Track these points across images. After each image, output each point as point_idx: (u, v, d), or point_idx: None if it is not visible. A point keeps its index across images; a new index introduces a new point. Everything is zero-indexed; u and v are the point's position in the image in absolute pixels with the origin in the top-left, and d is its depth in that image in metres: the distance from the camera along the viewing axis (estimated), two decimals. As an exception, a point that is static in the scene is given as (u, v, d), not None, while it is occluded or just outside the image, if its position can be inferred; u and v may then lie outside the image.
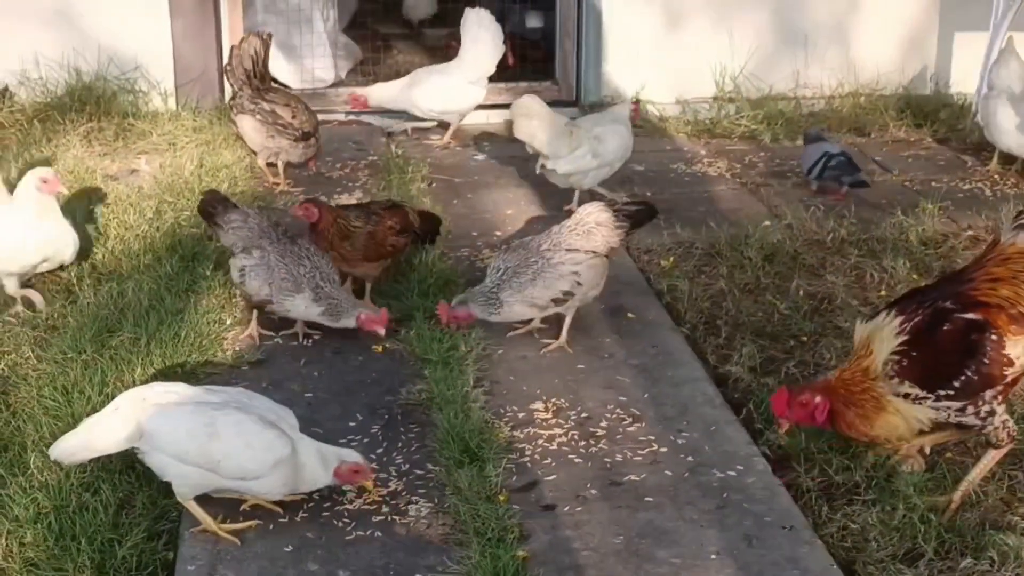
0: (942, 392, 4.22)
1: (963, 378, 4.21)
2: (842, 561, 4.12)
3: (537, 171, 7.09)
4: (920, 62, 9.27)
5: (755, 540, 4.17)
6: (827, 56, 9.09)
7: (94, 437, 4.24)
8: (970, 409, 4.24)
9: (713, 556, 4.10)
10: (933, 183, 7.67)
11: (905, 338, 4.25)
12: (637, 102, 8.34)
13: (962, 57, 9.15)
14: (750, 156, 8.24)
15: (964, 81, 9.06)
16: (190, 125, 8.26)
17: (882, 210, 7.12)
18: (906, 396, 4.25)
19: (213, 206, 5.72)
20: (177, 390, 4.35)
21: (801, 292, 6.03)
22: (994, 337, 4.20)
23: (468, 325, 5.41)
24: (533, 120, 6.93)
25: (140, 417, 4.17)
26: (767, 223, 6.88)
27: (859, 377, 4.33)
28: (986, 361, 4.20)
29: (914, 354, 4.24)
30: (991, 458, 4.38)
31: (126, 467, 4.50)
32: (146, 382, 5.00)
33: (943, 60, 9.30)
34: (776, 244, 6.54)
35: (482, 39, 8.30)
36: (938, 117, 8.76)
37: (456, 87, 8.38)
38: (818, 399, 4.34)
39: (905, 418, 4.28)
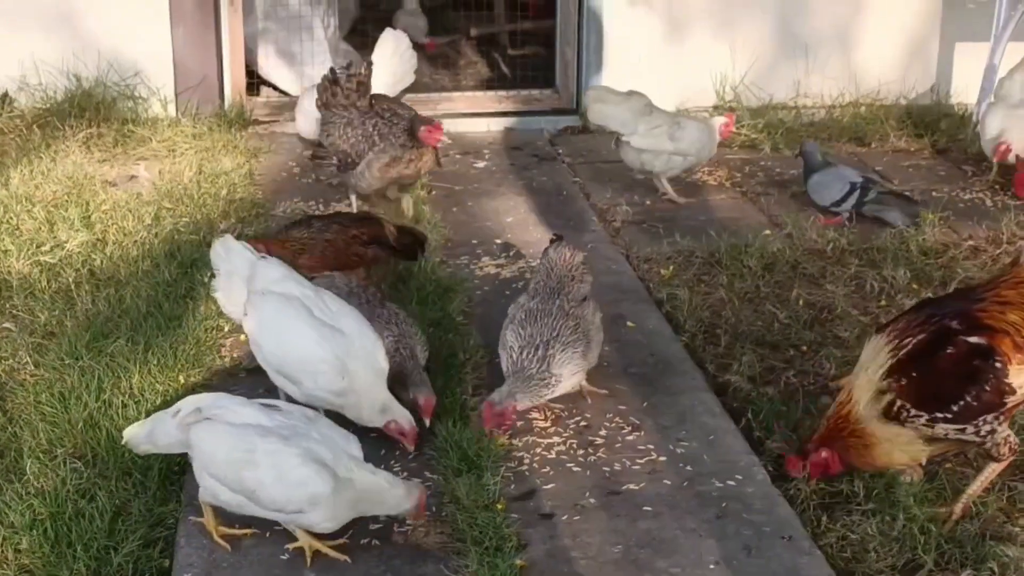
0: (939, 415, 4.17)
1: (962, 403, 4.15)
2: (841, 571, 4.10)
3: (613, 147, 7.57)
4: (921, 72, 9.25)
5: (754, 550, 4.15)
6: (828, 65, 9.07)
7: (155, 434, 4.19)
8: (969, 429, 4.20)
9: (712, 566, 4.08)
10: (934, 193, 7.65)
11: (904, 353, 4.20)
12: (732, 111, 8.50)
13: (963, 67, 9.13)
14: (750, 165, 8.23)
15: (965, 91, 9.05)
16: (189, 132, 8.25)
17: (882, 220, 7.10)
18: (897, 416, 4.20)
19: None
20: (232, 406, 4.15)
21: (801, 301, 6.01)
22: (997, 364, 4.12)
23: (511, 425, 4.80)
24: (601, 104, 7.45)
25: (189, 428, 4.09)
26: (767, 232, 6.87)
27: (842, 424, 4.32)
28: (987, 388, 4.13)
29: (913, 375, 4.19)
30: (991, 471, 4.35)
31: (122, 474, 4.50)
32: (143, 388, 5.01)
33: (944, 70, 9.28)
34: (776, 253, 6.52)
35: (390, 67, 7.84)
36: (939, 127, 8.73)
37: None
38: (824, 454, 4.35)
39: (898, 446, 4.26)
